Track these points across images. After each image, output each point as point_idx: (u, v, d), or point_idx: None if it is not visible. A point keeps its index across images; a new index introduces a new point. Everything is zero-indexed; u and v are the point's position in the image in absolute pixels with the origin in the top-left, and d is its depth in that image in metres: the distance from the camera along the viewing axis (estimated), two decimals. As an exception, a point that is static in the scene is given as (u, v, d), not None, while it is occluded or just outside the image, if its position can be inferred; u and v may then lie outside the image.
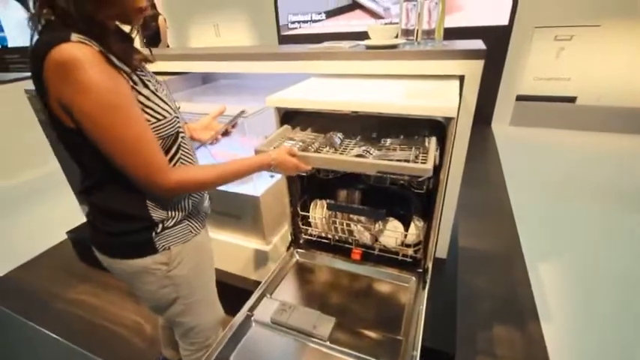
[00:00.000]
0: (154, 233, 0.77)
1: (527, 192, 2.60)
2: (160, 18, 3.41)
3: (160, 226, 0.78)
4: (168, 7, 4.74)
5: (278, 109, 1.08)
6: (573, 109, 3.70)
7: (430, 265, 1.09)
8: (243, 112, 1.08)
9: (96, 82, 0.58)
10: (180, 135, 0.78)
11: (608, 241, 2.05)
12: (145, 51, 0.79)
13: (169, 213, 0.79)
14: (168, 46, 3.85)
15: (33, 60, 0.59)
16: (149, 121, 0.69)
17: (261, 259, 1.51)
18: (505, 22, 3.52)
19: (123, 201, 0.74)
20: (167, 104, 0.74)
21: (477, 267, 1.88)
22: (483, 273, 1.84)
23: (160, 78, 0.82)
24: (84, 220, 2.12)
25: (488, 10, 3.55)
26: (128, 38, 0.74)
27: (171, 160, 0.77)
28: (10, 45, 5.32)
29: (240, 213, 1.47)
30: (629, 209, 2.32)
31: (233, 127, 1.06)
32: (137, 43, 0.77)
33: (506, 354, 1.41)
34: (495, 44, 3.53)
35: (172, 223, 0.80)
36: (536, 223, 2.25)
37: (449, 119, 0.89)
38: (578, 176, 2.81)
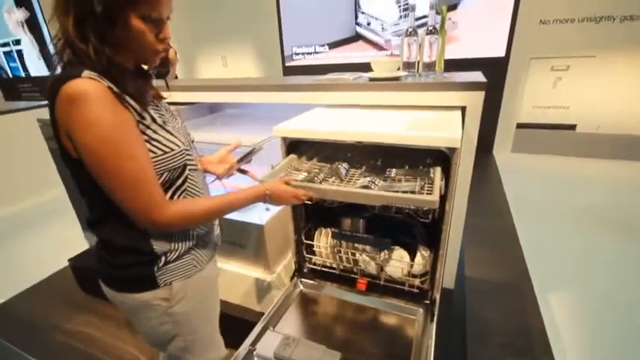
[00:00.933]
0: (155, 267, 0.76)
1: (532, 218, 2.57)
2: (171, 51, 3.55)
3: (163, 259, 0.77)
4: (177, 39, 4.95)
5: (284, 139, 1.10)
6: (574, 137, 3.74)
7: (438, 296, 1.07)
8: (259, 146, 1.10)
9: (98, 117, 0.61)
10: (189, 167, 0.78)
11: (617, 268, 2.00)
12: (160, 82, 0.81)
13: (172, 245, 0.78)
14: (176, 77, 3.99)
15: (48, 94, 0.63)
16: (155, 153, 0.70)
17: (264, 289, 1.48)
18: (502, 53, 3.63)
19: (124, 234, 0.73)
20: (176, 137, 0.74)
21: (486, 297, 1.83)
22: (492, 304, 1.79)
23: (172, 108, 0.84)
24: (86, 247, 2.11)
25: (484, 42, 3.67)
26: (145, 75, 0.76)
27: (175, 191, 0.76)
28: (32, 74, 5.46)
29: (245, 242, 1.46)
30: (638, 235, 2.29)
31: (247, 162, 1.07)
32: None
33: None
34: (493, 74, 3.62)
35: (175, 256, 0.79)
36: (544, 249, 2.21)
37: (453, 149, 0.90)
38: (584, 202, 2.79)
